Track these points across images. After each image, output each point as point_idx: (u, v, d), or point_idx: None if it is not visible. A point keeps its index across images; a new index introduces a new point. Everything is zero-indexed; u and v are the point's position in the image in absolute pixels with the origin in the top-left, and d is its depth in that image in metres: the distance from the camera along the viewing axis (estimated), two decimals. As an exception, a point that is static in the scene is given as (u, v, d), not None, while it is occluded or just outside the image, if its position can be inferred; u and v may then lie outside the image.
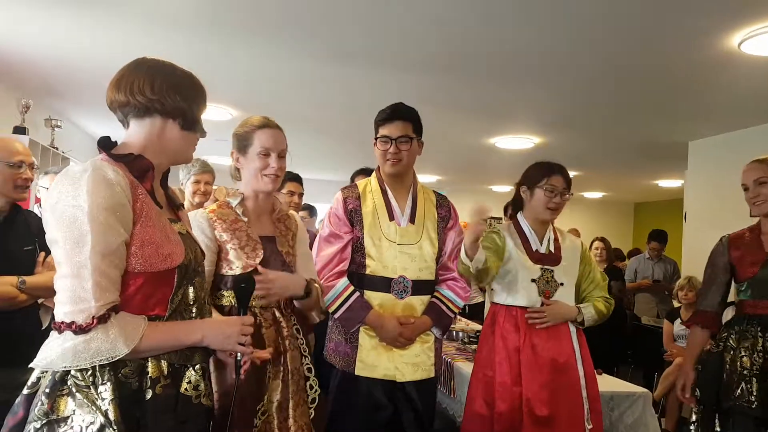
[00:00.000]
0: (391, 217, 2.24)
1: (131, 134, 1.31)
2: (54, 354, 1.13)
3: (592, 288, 2.42)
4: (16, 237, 2.17)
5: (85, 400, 1.15)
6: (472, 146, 6.32)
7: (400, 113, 2.25)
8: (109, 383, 1.15)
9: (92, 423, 1.13)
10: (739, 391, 2.18)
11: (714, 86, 3.94)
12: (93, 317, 1.12)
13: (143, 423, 1.19)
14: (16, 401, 1.22)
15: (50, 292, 2.18)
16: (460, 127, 5.49)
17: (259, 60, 3.82)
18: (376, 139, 2.27)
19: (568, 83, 4.06)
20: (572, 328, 2.30)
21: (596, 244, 5.63)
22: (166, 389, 1.22)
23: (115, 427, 1.12)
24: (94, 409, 1.14)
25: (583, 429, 2.19)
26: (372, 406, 2.17)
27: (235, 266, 1.76)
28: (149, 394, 1.20)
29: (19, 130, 4.26)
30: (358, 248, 2.22)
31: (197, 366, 1.30)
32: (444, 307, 2.25)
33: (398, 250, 2.20)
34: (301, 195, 3.16)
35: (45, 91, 4.79)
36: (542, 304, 2.26)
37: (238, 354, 1.38)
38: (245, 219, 1.84)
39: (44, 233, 2.54)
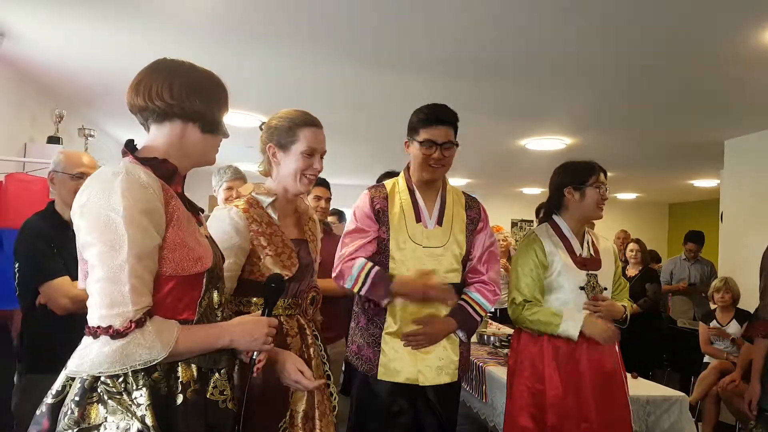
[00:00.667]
0: (418, 219, 2.19)
1: (153, 138, 1.29)
2: (90, 359, 1.11)
3: (619, 290, 2.39)
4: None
5: (118, 407, 1.13)
6: (503, 148, 6.28)
7: (445, 116, 2.17)
8: (144, 388, 1.14)
9: (128, 430, 1.12)
10: None
11: (747, 83, 3.84)
12: (130, 321, 1.11)
13: (174, 429, 1.17)
14: (39, 412, 1.20)
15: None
16: (491, 129, 5.45)
17: (288, 66, 3.87)
18: (413, 140, 2.19)
19: (599, 83, 4.00)
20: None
21: (631, 245, 5.52)
22: (195, 394, 1.22)
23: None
24: (129, 415, 1.12)
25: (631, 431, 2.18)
26: (393, 411, 2.14)
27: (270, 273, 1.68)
28: (180, 399, 1.19)
29: (53, 139, 4.29)
30: (382, 249, 2.17)
31: (222, 370, 1.30)
32: (471, 310, 2.19)
33: (424, 253, 2.15)
34: (328, 200, 3.18)
35: (79, 101, 4.90)
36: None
37: (254, 353, 1.38)
38: (278, 222, 1.76)
39: None
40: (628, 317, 2.30)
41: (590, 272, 2.24)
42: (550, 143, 5.85)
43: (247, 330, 1.31)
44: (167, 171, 1.27)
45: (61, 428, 1.13)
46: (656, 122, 5.02)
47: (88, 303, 1.16)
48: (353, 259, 2.13)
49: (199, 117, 1.29)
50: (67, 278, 2.14)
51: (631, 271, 5.37)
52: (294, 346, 1.68)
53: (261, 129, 1.83)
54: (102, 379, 1.14)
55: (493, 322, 4.64)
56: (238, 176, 3.24)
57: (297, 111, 1.79)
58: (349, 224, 2.23)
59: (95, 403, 1.14)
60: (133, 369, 1.12)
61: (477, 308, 2.19)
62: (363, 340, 2.19)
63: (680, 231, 6.22)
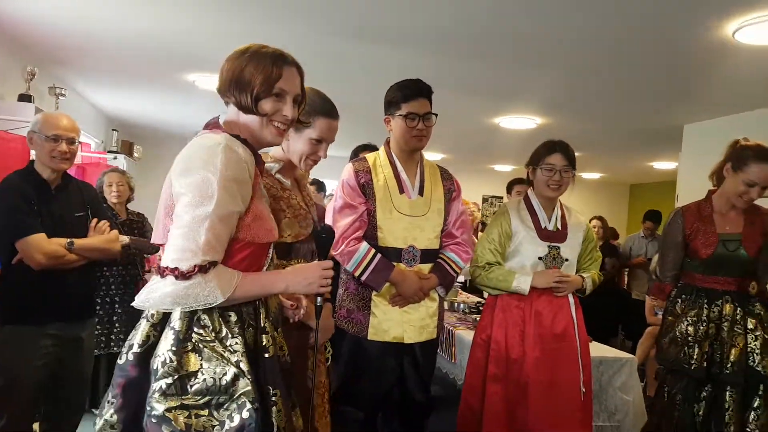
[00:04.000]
0: (402, 191, 2.36)
1: (229, 116, 1.40)
2: (156, 296, 1.21)
3: (589, 264, 2.60)
4: (68, 204, 2.38)
5: (213, 354, 1.23)
6: (477, 125, 6.43)
7: (424, 90, 2.34)
8: (239, 337, 1.26)
9: (224, 374, 1.22)
10: (681, 354, 2.41)
11: (708, 73, 4.08)
12: (196, 266, 1.20)
13: (262, 380, 1.28)
14: (123, 360, 1.29)
15: (98, 253, 2.43)
16: (465, 106, 5.60)
17: (267, 34, 3.82)
18: (395, 115, 2.34)
19: (572, 66, 4.18)
20: (571, 300, 2.47)
21: (594, 222, 5.84)
22: (276, 351, 1.35)
23: (249, 377, 1.23)
24: (224, 361, 1.22)
25: (579, 393, 2.38)
26: (382, 370, 2.34)
27: (287, 234, 1.78)
28: (268, 353, 1.32)
29: (24, 97, 4.20)
30: (370, 221, 2.33)
31: (280, 329, 1.43)
32: (448, 267, 2.41)
33: (408, 222, 2.34)
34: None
35: (50, 59, 4.75)
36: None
37: (318, 299, 1.45)
38: (289, 187, 1.89)
39: (97, 202, 2.78)
40: (586, 288, 2.52)
41: (552, 244, 2.46)
42: (522, 122, 6.03)
43: (302, 274, 1.38)
44: (254, 149, 1.37)
45: (161, 375, 1.22)
46: (620, 106, 5.26)
47: (165, 247, 1.27)
48: (357, 241, 2.28)
49: (237, 103, 1.36)
50: (43, 235, 2.23)
51: (593, 246, 5.70)
52: (309, 309, 1.78)
53: None
54: (195, 329, 1.25)
55: (463, 292, 4.91)
56: None
57: (320, 96, 1.86)
58: (338, 199, 2.37)
59: (190, 352, 1.24)
60: (194, 308, 1.22)
61: (453, 266, 2.42)
62: (353, 305, 2.36)
63: (640, 210, 6.56)
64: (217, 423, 1.21)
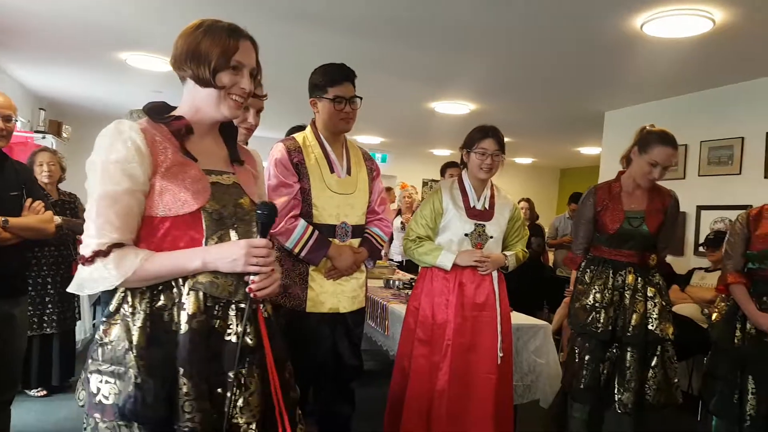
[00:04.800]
0: (332, 170, 2.47)
1: (183, 96, 1.41)
2: (74, 282, 1.29)
3: (516, 240, 2.78)
4: (3, 183, 2.36)
5: (124, 328, 1.28)
6: (413, 110, 6.57)
7: (350, 75, 2.45)
8: (142, 313, 1.28)
9: (123, 346, 1.27)
10: (589, 319, 2.66)
11: (622, 63, 4.38)
12: (93, 252, 1.25)
13: (173, 355, 1.27)
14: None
15: (32, 233, 2.43)
16: (402, 90, 5.73)
17: (198, 11, 3.86)
18: (322, 98, 2.42)
19: (501, 56, 4.38)
20: (494, 274, 2.64)
21: (521, 204, 6.16)
22: (201, 324, 1.29)
23: (134, 351, 1.25)
24: (126, 335, 1.27)
25: (496, 356, 2.57)
26: (318, 338, 2.46)
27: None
28: (184, 328, 1.28)
29: None
30: (304, 199, 2.42)
31: (239, 304, 1.34)
32: (375, 241, 2.58)
33: (340, 199, 2.46)
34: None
35: None
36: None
37: (250, 276, 1.33)
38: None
39: (32, 182, 2.77)
40: (509, 265, 2.70)
41: (479, 222, 2.63)
42: (456, 107, 6.22)
43: (224, 250, 1.31)
44: (177, 127, 1.37)
45: (95, 339, 1.33)
46: (546, 94, 5.53)
47: None
48: (294, 219, 2.37)
49: (194, 77, 1.35)
50: None
51: (521, 226, 6.02)
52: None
53: None
54: (123, 306, 1.30)
55: (399, 271, 5.10)
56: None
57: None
58: (272, 178, 2.42)
59: (113, 324, 1.30)
60: (96, 291, 1.28)
61: (378, 240, 2.60)
62: (290, 281, 2.44)
63: (570, 193, 6.94)
64: (118, 391, 1.26)
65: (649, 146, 2.63)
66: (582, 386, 2.67)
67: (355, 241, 2.53)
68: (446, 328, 2.55)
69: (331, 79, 2.43)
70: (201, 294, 1.31)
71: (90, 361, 1.32)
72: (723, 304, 2.79)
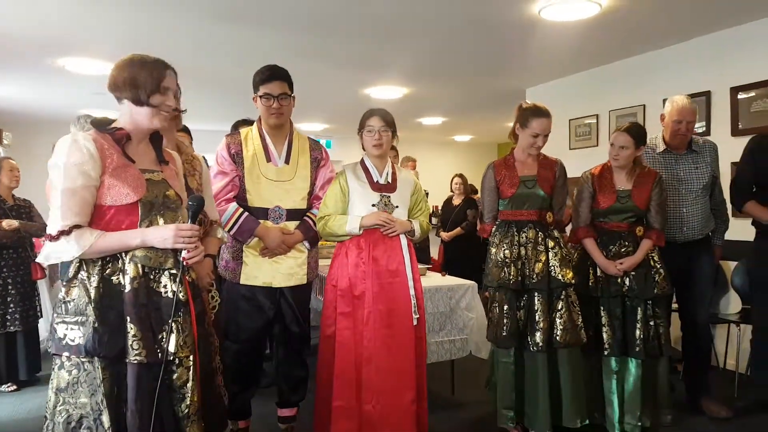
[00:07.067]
0: (269, 159, 2.76)
1: (121, 112, 1.81)
2: (42, 254, 1.69)
3: (419, 213, 2.99)
4: None
5: (83, 288, 1.69)
6: (351, 96, 6.84)
7: (278, 74, 2.70)
8: (96, 277, 1.69)
9: (83, 301, 1.67)
10: (502, 273, 3.06)
11: (528, 45, 4.81)
12: (58, 231, 1.65)
13: (121, 307, 1.68)
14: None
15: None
16: (337, 79, 6.01)
17: (136, 14, 4.03)
18: (257, 95, 2.71)
19: (425, 41, 4.70)
20: (404, 242, 2.81)
21: (456, 179, 6.57)
22: (139, 285, 1.70)
23: (93, 303, 1.67)
24: (84, 292, 1.68)
25: (411, 318, 2.75)
26: (255, 307, 2.76)
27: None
28: (128, 288, 1.69)
29: None
30: (241, 185, 2.72)
31: (170, 270, 1.76)
32: (311, 223, 2.82)
33: (274, 186, 2.74)
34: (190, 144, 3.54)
35: None
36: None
37: (182, 252, 1.75)
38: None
39: None
40: (415, 231, 2.86)
41: (384, 194, 2.82)
42: (390, 92, 6.55)
43: (158, 231, 1.73)
44: (118, 136, 1.78)
45: (59, 299, 1.75)
46: (471, 74, 5.91)
47: None
48: (227, 201, 2.68)
49: (133, 98, 1.77)
50: None
51: (456, 200, 6.44)
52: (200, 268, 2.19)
53: None
54: (80, 272, 1.71)
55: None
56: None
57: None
58: (214, 167, 2.77)
59: (73, 287, 1.71)
60: (60, 261, 1.72)
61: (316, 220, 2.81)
62: (229, 256, 2.79)
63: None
64: (82, 335, 1.65)
65: (527, 121, 3.02)
66: (505, 334, 3.03)
67: (291, 224, 2.79)
68: (364, 298, 2.71)
69: (261, 79, 2.70)
70: (139, 264, 1.72)
71: (55, 315, 1.72)
72: (575, 252, 3.25)
